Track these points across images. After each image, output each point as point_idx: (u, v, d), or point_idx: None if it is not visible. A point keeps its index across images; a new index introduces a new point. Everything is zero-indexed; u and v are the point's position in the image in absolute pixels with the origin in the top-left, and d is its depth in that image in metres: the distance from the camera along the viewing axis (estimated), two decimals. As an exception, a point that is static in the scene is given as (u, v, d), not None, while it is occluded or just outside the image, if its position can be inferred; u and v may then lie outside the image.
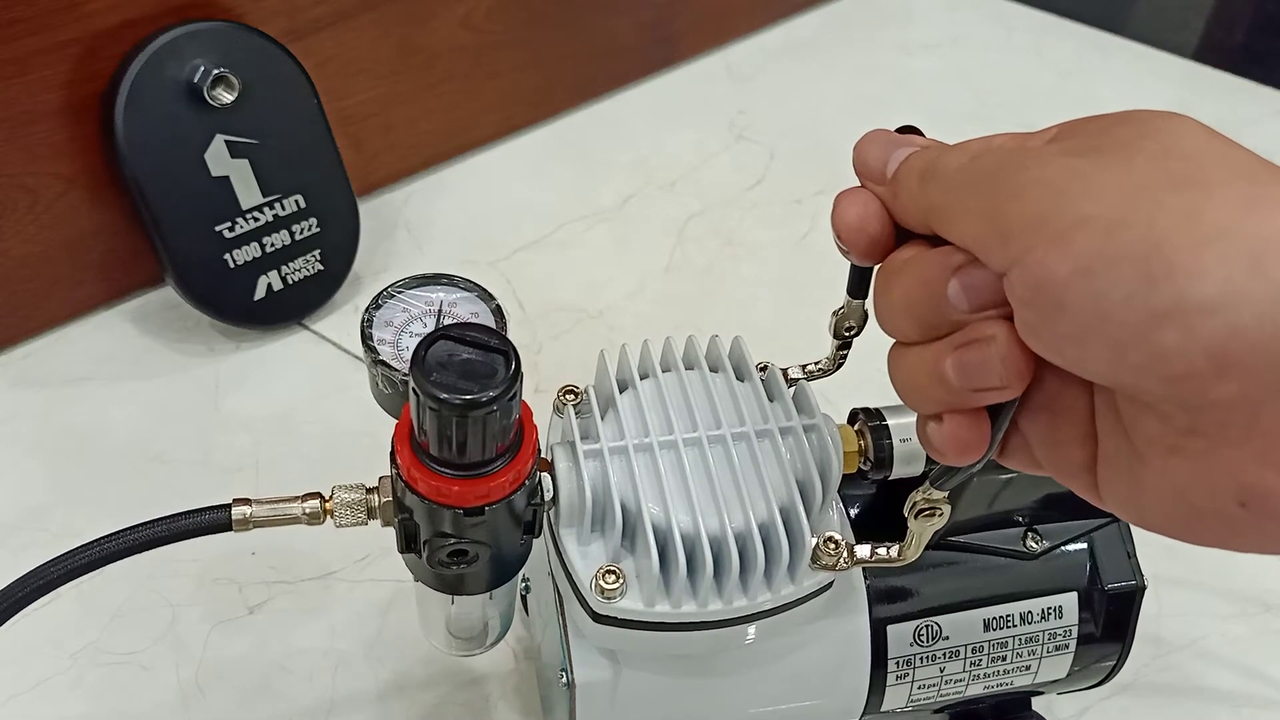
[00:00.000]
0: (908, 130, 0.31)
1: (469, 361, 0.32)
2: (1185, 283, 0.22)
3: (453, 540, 0.34)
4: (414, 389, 0.31)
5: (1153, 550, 0.43)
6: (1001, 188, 0.26)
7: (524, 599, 0.51)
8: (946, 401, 0.28)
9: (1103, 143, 0.25)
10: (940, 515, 0.33)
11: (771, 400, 0.39)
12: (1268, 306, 0.22)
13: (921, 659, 0.42)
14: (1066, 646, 0.43)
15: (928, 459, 0.39)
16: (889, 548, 0.36)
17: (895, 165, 0.30)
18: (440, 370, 0.31)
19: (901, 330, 0.29)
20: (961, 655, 0.42)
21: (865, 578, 0.42)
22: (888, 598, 0.42)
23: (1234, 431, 0.23)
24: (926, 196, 0.28)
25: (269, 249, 0.68)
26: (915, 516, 0.34)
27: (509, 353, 0.32)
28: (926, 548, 0.35)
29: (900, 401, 0.30)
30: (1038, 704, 0.46)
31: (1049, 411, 0.28)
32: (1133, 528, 0.44)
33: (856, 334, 0.37)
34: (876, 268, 0.31)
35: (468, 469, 0.33)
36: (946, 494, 0.33)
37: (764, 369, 0.40)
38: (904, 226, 0.30)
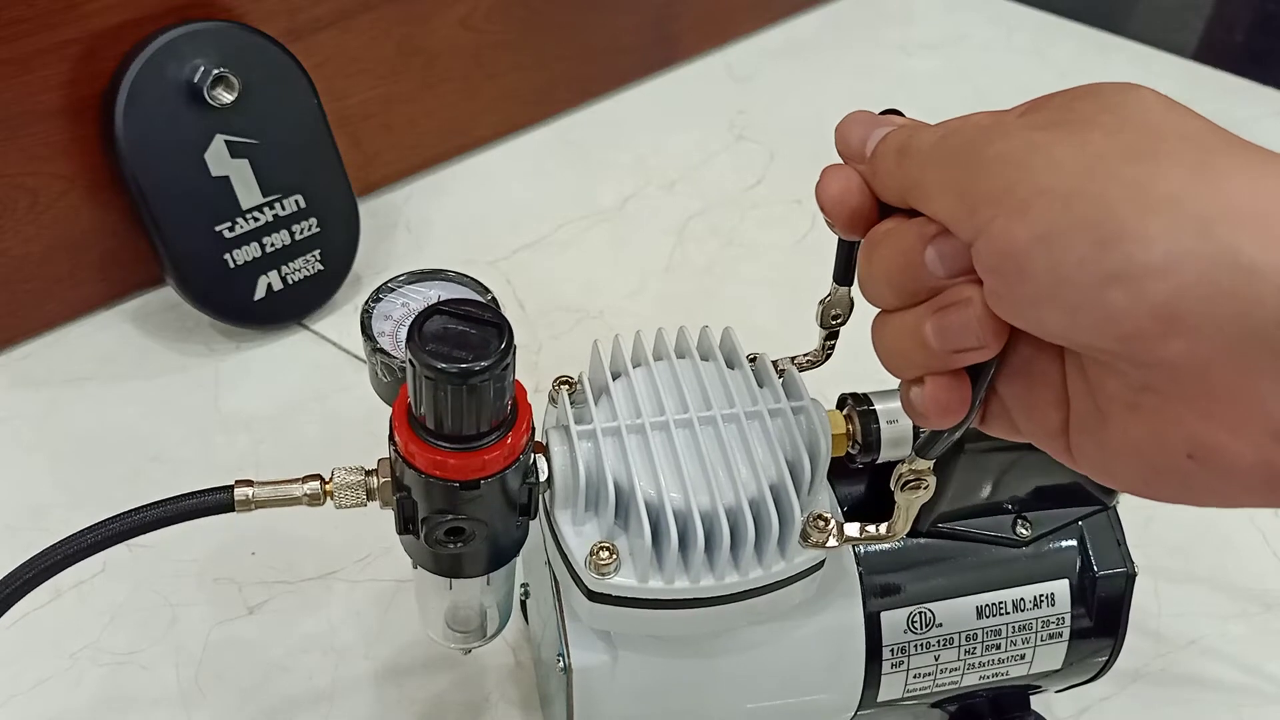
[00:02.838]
0: (889, 113, 0.32)
1: (464, 334, 0.33)
2: (1133, 247, 0.24)
3: (449, 517, 0.35)
4: (410, 360, 0.32)
5: (1153, 549, 0.43)
6: (969, 162, 0.27)
7: (524, 605, 0.51)
8: (927, 364, 0.29)
9: (1065, 117, 0.27)
10: (926, 487, 0.34)
11: (761, 386, 0.40)
12: (1210, 268, 0.23)
13: (916, 646, 0.42)
14: (1060, 635, 0.43)
15: (914, 438, 0.40)
16: (878, 525, 0.37)
17: (874, 144, 0.31)
18: (436, 342, 0.32)
19: (883, 298, 0.30)
20: (956, 643, 0.43)
21: (858, 566, 0.42)
22: (881, 586, 0.42)
23: (1183, 388, 0.25)
24: (903, 172, 0.29)
25: (269, 249, 0.68)
26: (902, 489, 0.34)
27: (502, 325, 0.33)
28: (918, 535, 0.36)
29: (886, 386, 0.31)
30: (1037, 704, 0.46)
31: (1024, 376, 0.29)
32: (1121, 517, 0.45)
33: (843, 322, 0.38)
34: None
35: (464, 442, 0.34)
36: (931, 465, 0.33)
37: (754, 359, 0.41)
38: (884, 201, 0.31)
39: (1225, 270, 0.23)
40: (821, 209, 0.32)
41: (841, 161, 0.32)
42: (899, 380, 0.31)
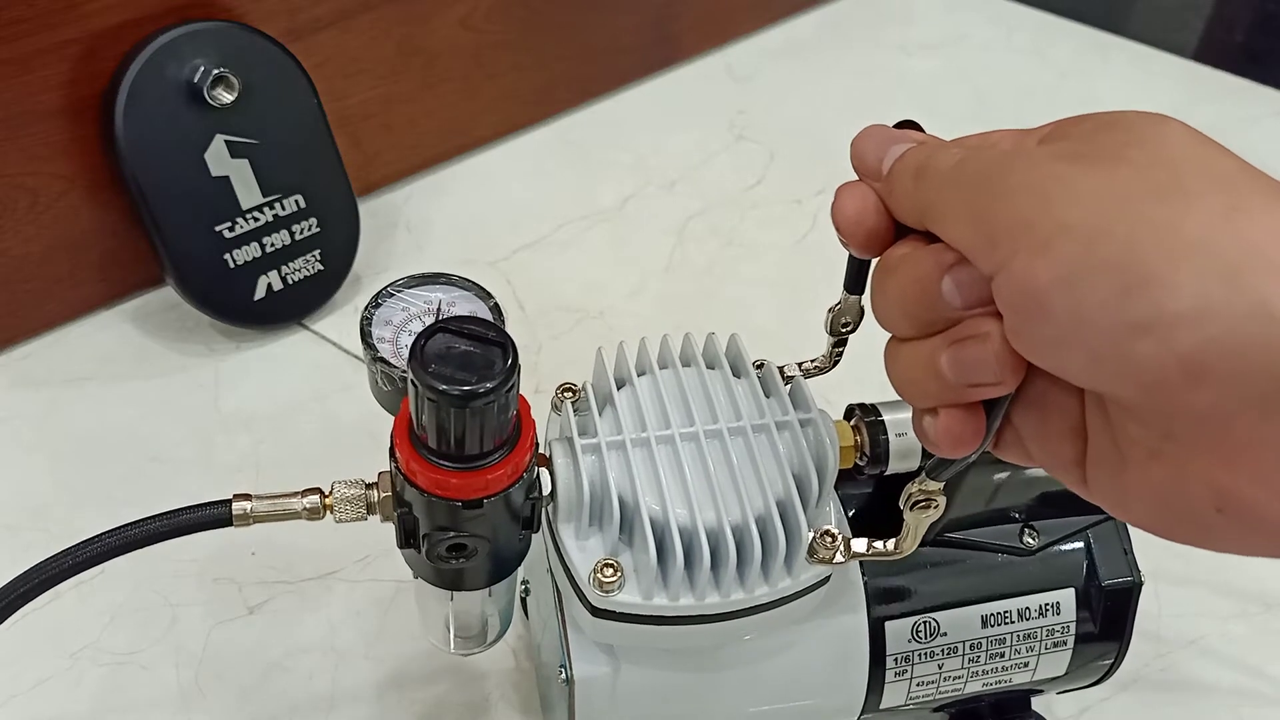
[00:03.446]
0: (907, 125, 0.31)
1: (467, 354, 0.32)
2: (1160, 294, 0.23)
3: (451, 534, 0.35)
4: (413, 381, 0.32)
5: (1153, 550, 0.42)
6: (989, 190, 0.26)
7: (524, 602, 0.51)
8: (942, 396, 0.29)
9: (1090, 148, 0.26)
10: (936, 507, 0.34)
11: (768, 396, 0.39)
12: (1240, 318, 0.22)
13: (920, 655, 0.42)
14: (1065, 643, 0.43)
15: (923, 453, 0.39)
16: (885, 541, 0.36)
17: (890, 161, 0.30)
18: (439, 362, 0.32)
19: (898, 326, 0.30)
20: (960, 652, 0.42)
21: (863, 574, 0.42)
22: (886, 594, 0.42)
23: (1208, 440, 0.24)
24: (920, 194, 0.28)
25: (269, 249, 0.68)
26: (911, 508, 0.34)
27: (506, 345, 0.32)
28: (924, 544, 0.35)
29: (896, 397, 0.30)
30: (1037, 704, 0.46)
31: (1041, 407, 0.29)
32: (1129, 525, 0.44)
33: (852, 330, 0.37)
34: (874, 263, 0.31)
35: (466, 461, 0.33)
36: (941, 485, 0.33)
37: (760, 366, 0.40)
38: (900, 222, 0.30)
39: (1257, 321, 0.22)
40: (837, 229, 0.31)
41: (856, 178, 0.31)
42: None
